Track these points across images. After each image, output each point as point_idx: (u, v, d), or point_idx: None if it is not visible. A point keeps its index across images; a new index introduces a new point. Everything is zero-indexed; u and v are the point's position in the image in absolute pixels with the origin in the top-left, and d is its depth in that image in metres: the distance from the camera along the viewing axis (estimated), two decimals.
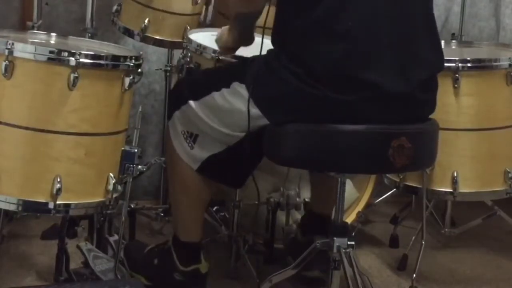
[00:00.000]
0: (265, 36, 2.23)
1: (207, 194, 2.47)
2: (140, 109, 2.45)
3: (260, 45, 2.24)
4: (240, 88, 2.20)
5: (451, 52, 3.01)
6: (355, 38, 2.06)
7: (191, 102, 2.33)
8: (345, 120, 2.07)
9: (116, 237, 2.53)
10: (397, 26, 2.11)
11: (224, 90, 2.24)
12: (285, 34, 2.15)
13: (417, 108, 2.17)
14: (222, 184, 2.54)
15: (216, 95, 2.27)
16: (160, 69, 3.34)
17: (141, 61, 2.33)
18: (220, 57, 2.45)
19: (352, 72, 2.05)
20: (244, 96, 2.18)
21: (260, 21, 2.26)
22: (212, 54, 2.48)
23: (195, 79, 2.45)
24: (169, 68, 3.26)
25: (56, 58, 2.17)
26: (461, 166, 2.77)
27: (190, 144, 2.38)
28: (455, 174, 2.75)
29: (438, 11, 3.69)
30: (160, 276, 2.52)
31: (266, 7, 2.26)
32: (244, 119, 2.18)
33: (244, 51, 2.41)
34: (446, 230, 3.11)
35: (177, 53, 2.94)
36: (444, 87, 2.54)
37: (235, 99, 2.21)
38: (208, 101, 2.29)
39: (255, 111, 2.16)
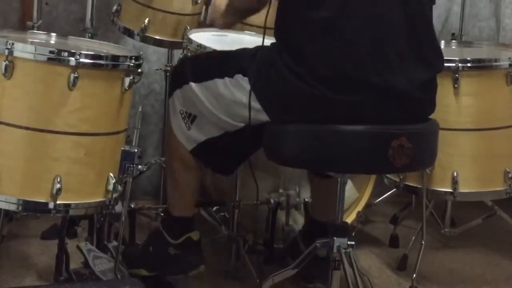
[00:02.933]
0: (265, 37, 2.24)
1: (203, 171, 2.48)
2: (140, 109, 2.45)
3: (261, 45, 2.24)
4: (243, 81, 2.20)
5: (451, 52, 3.01)
6: (355, 38, 2.06)
7: (192, 84, 2.33)
8: (345, 120, 2.07)
9: (115, 243, 2.53)
10: (397, 26, 2.11)
11: (227, 79, 2.24)
12: (286, 32, 2.15)
13: (417, 108, 2.17)
14: (211, 170, 2.55)
15: (218, 82, 2.26)
16: (160, 69, 3.34)
17: (141, 61, 2.33)
18: None
19: (352, 72, 2.06)
20: (246, 89, 2.18)
21: (260, 21, 2.26)
22: None
23: (199, 62, 2.43)
24: (169, 68, 3.26)
25: (56, 58, 2.17)
26: (461, 166, 2.77)
27: (187, 125, 2.37)
28: (455, 174, 2.75)
29: (438, 11, 3.70)
30: (156, 258, 2.51)
31: (266, 7, 2.26)
32: (244, 110, 2.18)
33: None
34: (446, 230, 3.11)
35: (177, 53, 2.94)
36: (444, 87, 2.54)
37: (237, 90, 2.21)
38: (210, 86, 2.28)
39: (256, 105, 2.17)
